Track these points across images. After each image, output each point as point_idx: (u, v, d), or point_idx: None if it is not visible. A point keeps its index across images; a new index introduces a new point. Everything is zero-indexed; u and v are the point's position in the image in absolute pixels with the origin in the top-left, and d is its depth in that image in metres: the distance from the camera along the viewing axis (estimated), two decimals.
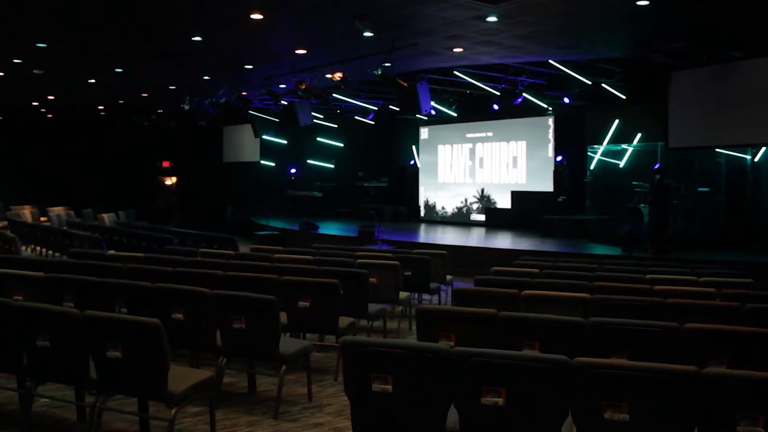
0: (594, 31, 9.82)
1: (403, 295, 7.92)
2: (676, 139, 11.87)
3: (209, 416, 4.40)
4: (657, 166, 12.75)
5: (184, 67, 12.60)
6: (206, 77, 13.70)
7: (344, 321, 6.09)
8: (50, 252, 12.64)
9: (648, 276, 7.04)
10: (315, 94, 12.08)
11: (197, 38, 10.19)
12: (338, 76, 11.15)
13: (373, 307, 6.88)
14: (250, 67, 12.51)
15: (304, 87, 11.74)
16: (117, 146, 22.95)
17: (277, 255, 8.36)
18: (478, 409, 3.27)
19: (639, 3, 8.08)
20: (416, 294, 8.98)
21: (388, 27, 9.57)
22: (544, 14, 8.80)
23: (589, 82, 13.23)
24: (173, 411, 3.90)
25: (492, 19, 8.95)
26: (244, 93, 14.32)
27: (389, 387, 3.37)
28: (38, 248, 13.36)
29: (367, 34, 9.77)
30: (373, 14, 8.86)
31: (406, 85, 10.68)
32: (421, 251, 9.92)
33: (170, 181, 24.67)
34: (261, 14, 8.86)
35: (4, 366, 4.48)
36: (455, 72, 13.70)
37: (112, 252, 8.22)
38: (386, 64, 11.74)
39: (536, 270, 7.54)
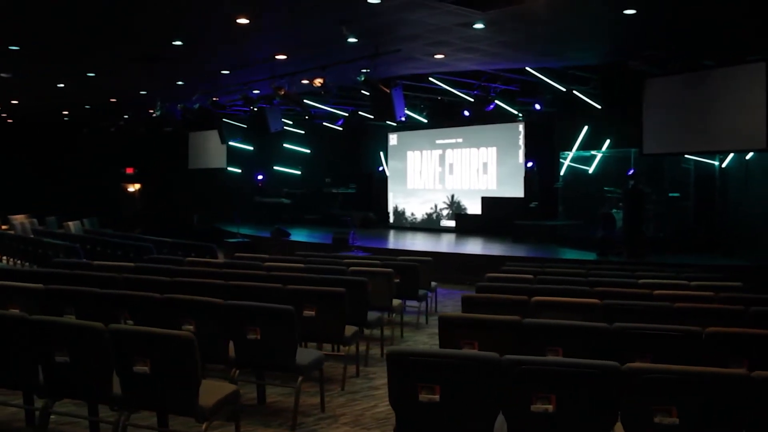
0: (578, 39, 9.98)
1: (395, 302, 7.91)
2: (650, 145, 12.13)
3: (234, 430, 4.31)
4: (631, 171, 13.02)
5: (159, 72, 12.36)
6: (180, 82, 13.47)
7: (349, 330, 6.04)
8: (18, 262, 12.22)
9: (640, 281, 7.17)
10: (294, 100, 11.98)
11: (178, 42, 10.01)
12: (319, 82, 11.07)
13: (371, 315, 6.85)
14: (227, 72, 12.35)
15: (283, 93, 11.62)
16: (79, 152, 22.35)
17: (267, 263, 8.26)
18: (527, 417, 3.27)
19: (626, 12, 8.24)
20: (403, 301, 8.97)
21: (373, 33, 9.55)
22: (531, 22, 8.91)
23: (563, 89, 13.41)
24: (204, 426, 3.81)
25: (479, 26, 9.01)
26: (215, 98, 14.11)
27: (437, 397, 3.35)
28: (5, 258, 12.89)
29: (352, 39, 9.74)
30: (360, 20, 8.84)
31: (388, 91, 10.66)
32: (406, 258, 9.94)
33: (133, 188, 24.15)
34: (248, 19, 8.75)
35: (16, 383, 4.31)
36: (430, 78, 13.76)
37: (97, 262, 7.96)
38: (364, 70, 11.72)
39: (530, 276, 7.62)
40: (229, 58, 11.22)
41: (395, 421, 3.48)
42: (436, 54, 10.90)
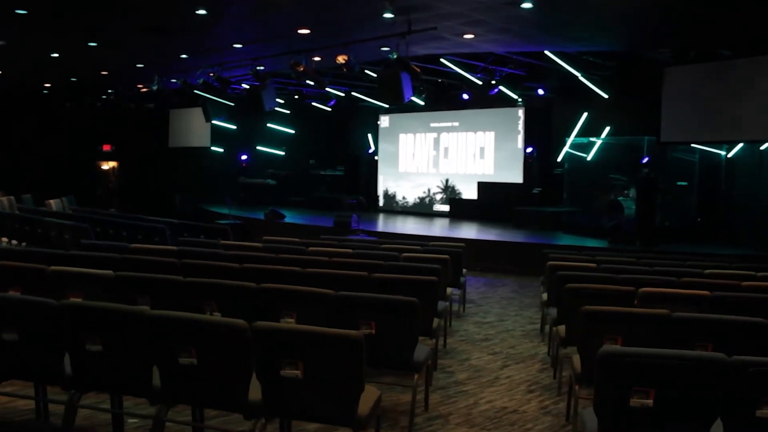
0: (620, 24, 9.68)
1: (448, 290, 7.58)
2: (668, 134, 12.05)
3: None
4: (645, 160, 12.93)
5: (166, 44, 11.64)
6: (184, 56, 12.74)
7: (435, 322, 5.70)
8: (14, 242, 11.41)
9: (707, 271, 7.00)
10: (313, 77, 11.46)
11: (202, 12, 9.35)
12: (342, 59, 10.56)
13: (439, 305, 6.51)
14: (239, 46, 11.71)
15: (301, 69, 11.09)
16: (55, 128, 21.17)
17: (311, 248, 7.80)
18: (750, 422, 2.99)
19: None
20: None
21: (411, 9, 9.11)
22: (582, 3, 8.61)
23: (578, 74, 13.22)
24: None
25: (527, 5, 8.66)
26: (219, 74, 13.43)
27: (650, 402, 3.03)
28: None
29: (388, 15, 9.28)
30: None
31: (419, 70, 10.25)
32: (441, 243, 9.59)
33: (107, 165, 23.13)
34: None
35: (127, 388, 3.80)
36: (442, 59, 13.39)
37: (134, 245, 7.36)
38: (384, 48, 11.29)
39: (593, 264, 7.40)
40: (250, 30, 10.62)
41: (597, 427, 3.15)
42: (466, 34, 10.51)
